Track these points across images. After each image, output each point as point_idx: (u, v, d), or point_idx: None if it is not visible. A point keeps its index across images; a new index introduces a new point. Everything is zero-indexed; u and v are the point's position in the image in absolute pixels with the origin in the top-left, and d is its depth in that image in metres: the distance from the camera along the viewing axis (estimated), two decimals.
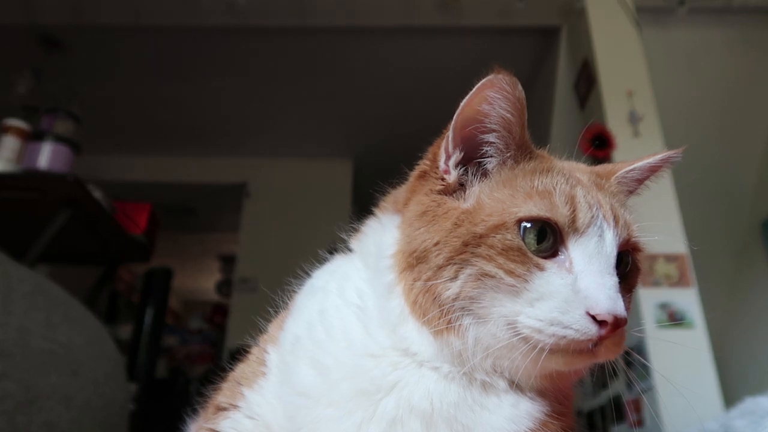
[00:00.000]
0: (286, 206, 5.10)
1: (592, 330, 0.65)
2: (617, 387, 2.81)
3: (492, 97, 0.71)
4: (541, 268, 0.67)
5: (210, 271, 7.32)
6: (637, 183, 0.85)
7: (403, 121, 4.33)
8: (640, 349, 2.61)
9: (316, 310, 0.80)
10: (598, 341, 0.65)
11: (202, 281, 7.80)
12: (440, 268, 0.69)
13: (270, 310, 0.86)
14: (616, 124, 3.10)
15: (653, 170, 0.85)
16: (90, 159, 3.40)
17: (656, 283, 2.71)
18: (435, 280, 0.69)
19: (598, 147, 3.04)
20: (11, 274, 1.09)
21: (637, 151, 3.04)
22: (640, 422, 2.55)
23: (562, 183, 0.72)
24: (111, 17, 3.86)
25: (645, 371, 2.56)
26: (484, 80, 0.70)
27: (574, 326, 0.65)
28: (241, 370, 0.85)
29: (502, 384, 0.71)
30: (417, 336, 0.72)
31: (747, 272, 3.97)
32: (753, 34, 3.75)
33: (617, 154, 3.03)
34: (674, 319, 2.64)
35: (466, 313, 0.69)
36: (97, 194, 2.81)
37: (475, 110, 0.73)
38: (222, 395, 0.83)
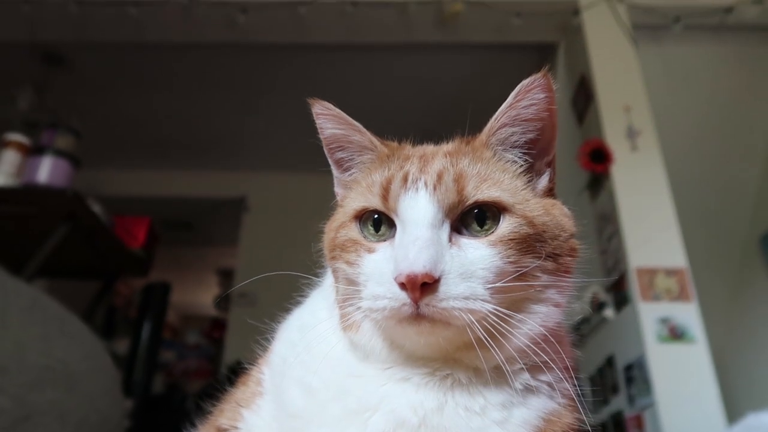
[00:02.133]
0: (285, 220, 5.10)
1: (400, 295, 0.66)
2: (618, 403, 2.80)
3: (320, 122, 0.83)
4: (372, 251, 0.73)
5: (208, 285, 7.31)
6: (522, 124, 0.79)
7: (402, 135, 4.33)
8: (641, 364, 2.60)
9: (296, 327, 0.84)
10: (417, 304, 0.65)
11: (201, 296, 7.78)
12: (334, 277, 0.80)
13: (270, 325, 0.87)
14: (614, 139, 3.12)
15: (514, 106, 0.78)
16: (90, 173, 3.41)
17: (656, 298, 2.70)
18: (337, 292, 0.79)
19: (596, 161, 3.06)
20: (8, 288, 1.09)
21: (635, 165, 3.06)
22: None
23: (390, 170, 0.77)
24: (112, 33, 3.89)
25: (646, 387, 2.54)
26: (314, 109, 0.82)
27: (387, 295, 0.67)
28: (241, 392, 0.86)
29: (474, 379, 0.70)
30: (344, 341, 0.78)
31: (747, 286, 3.97)
32: (748, 51, 3.79)
33: (615, 168, 3.04)
34: (675, 334, 2.63)
35: (355, 309, 0.73)
36: (96, 208, 2.82)
37: (324, 137, 0.84)
38: (223, 416, 0.84)
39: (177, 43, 4.06)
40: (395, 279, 0.66)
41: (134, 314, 4.65)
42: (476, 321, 0.66)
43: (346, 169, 0.86)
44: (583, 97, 3.45)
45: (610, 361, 2.89)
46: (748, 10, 3.42)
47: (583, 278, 0.78)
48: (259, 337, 0.86)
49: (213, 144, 5.31)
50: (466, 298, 0.66)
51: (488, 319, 0.67)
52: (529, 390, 0.72)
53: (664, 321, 2.64)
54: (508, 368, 0.70)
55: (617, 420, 2.80)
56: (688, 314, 2.68)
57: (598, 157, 3.06)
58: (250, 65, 4.33)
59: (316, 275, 0.88)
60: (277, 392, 0.78)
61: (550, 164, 0.81)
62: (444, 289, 0.66)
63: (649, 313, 2.68)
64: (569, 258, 0.76)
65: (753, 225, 3.96)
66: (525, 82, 0.77)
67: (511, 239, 0.70)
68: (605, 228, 3.04)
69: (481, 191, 0.72)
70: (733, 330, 3.91)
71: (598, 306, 2.90)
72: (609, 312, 2.89)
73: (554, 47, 3.86)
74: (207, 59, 4.28)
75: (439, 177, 0.73)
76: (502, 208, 0.72)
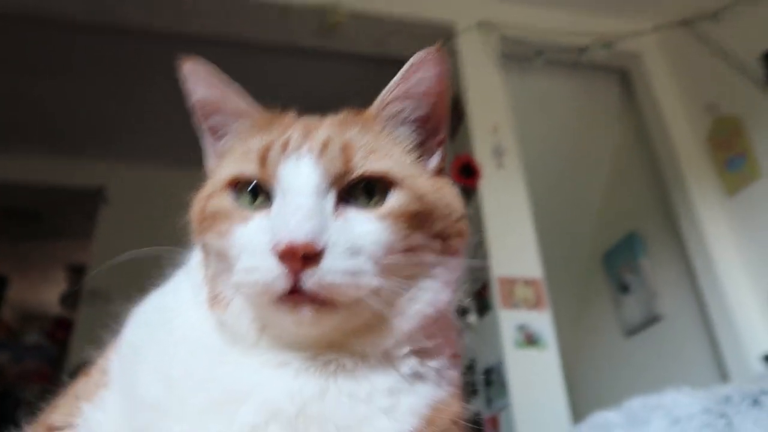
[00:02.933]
0: (147, 215, 4.75)
1: (276, 267, 0.60)
2: (476, 405, 2.93)
3: (192, 83, 0.78)
4: (246, 221, 0.67)
5: (54, 281, 6.60)
6: (413, 99, 0.76)
7: None
8: (499, 368, 2.76)
9: (153, 308, 0.75)
10: (295, 276, 0.60)
11: (45, 292, 7.01)
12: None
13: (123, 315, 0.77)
14: (482, 156, 3.28)
15: (406, 79, 0.75)
16: None
17: (515, 306, 2.87)
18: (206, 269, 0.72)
19: (465, 176, 3.20)
20: None
21: (501, 181, 3.25)
22: None
23: (270, 136, 0.72)
24: None
25: (503, 390, 2.69)
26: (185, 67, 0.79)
27: (261, 268, 0.62)
28: (82, 383, 0.75)
29: (361, 364, 0.66)
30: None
31: (592, 298, 4.37)
32: (595, 87, 4.19)
33: (483, 183, 3.20)
34: (530, 340, 2.81)
35: (225, 285, 0.68)
36: None
37: (197, 99, 0.78)
38: (57, 413, 0.72)
39: (34, 18, 3.63)
40: (272, 249, 0.60)
41: None
42: (364, 300, 0.62)
43: (220, 137, 0.79)
44: (455, 116, 3.61)
45: (471, 365, 3.03)
46: (598, 53, 3.78)
47: (470, 261, 0.77)
48: (111, 323, 0.76)
49: (70, 129, 4.81)
50: (353, 273, 0.61)
51: (378, 295, 0.63)
52: (417, 376, 0.69)
53: (521, 328, 2.82)
54: (397, 352, 0.68)
55: (475, 421, 2.93)
56: (542, 322, 2.87)
57: (468, 172, 3.21)
58: (119, 49, 3.99)
59: (180, 257, 0.80)
60: (128, 382, 0.69)
61: (441, 144, 0.79)
62: (329, 262, 0.60)
63: (509, 320, 2.83)
64: (458, 239, 0.74)
65: (597, 243, 4.37)
66: (417, 55, 0.74)
67: (400, 214, 0.67)
68: (472, 238, 3.19)
69: (370, 162, 0.68)
70: (578, 337, 4.29)
71: (461, 312, 3.03)
72: (472, 318, 3.03)
73: None
74: (70, 37, 3.88)
75: (325, 145, 0.68)
76: (391, 181, 0.68)
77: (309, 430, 0.62)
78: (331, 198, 0.66)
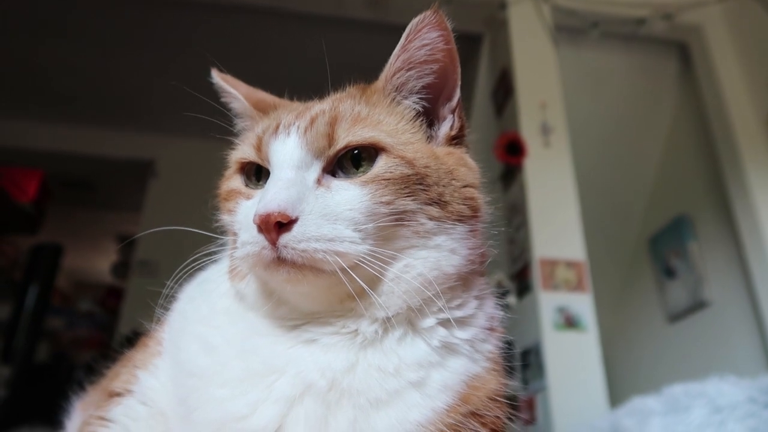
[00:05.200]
0: (194, 189, 4.85)
1: (259, 238, 0.64)
2: (513, 386, 2.92)
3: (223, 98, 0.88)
4: (249, 197, 0.73)
5: (106, 251, 6.89)
6: (417, 67, 0.76)
7: None
8: (537, 350, 2.74)
9: (198, 282, 0.80)
10: (275, 246, 0.63)
11: (97, 262, 7.32)
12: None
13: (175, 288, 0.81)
14: (528, 134, 3.21)
15: (406, 48, 0.75)
16: None
17: (555, 287, 2.84)
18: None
19: (511, 154, 3.15)
20: None
21: (547, 160, 3.18)
22: (532, 420, 2.66)
23: (268, 121, 0.77)
24: None
25: (540, 372, 2.68)
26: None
27: (250, 240, 0.65)
28: (140, 353, 0.80)
29: (383, 334, 0.67)
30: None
31: (634, 282, 4.27)
32: (652, 62, 4.03)
33: (528, 162, 3.15)
34: (570, 322, 2.78)
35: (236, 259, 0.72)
36: None
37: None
38: (118, 380, 0.78)
39: None
40: (252, 221, 0.63)
41: (19, 277, 4.29)
42: (349, 266, 0.63)
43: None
44: (503, 90, 3.53)
45: (510, 343, 3.01)
46: (657, 24, 3.63)
47: (486, 227, 0.76)
48: (161, 294, 0.81)
49: (122, 102, 4.95)
50: (331, 239, 0.63)
51: (365, 262, 0.64)
52: (447, 348, 0.69)
53: (561, 310, 2.79)
54: (421, 323, 0.68)
55: (509, 400, 2.94)
56: (583, 304, 2.83)
57: (514, 150, 3.15)
58: (167, 22, 4.06)
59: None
60: (176, 351, 0.73)
61: (454, 111, 0.78)
62: (300, 229, 0.62)
63: (548, 302, 2.80)
64: (463, 206, 0.72)
65: (644, 226, 4.25)
66: (414, 20, 0.73)
67: (385, 179, 0.67)
68: (514, 218, 3.15)
69: (352, 133, 0.69)
70: (619, 321, 4.22)
71: (501, 293, 3.01)
72: (511, 299, 3.01)
73: (479, 38, 3.92)
74: (120, 11, 3.97)
75: (312, 121, 0.70)
76: (379, 148, 0.69)
77: (341, 403, 0.64)
78: (315, 169, 0.68)
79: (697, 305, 3.60)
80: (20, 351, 3.54)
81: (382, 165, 0.68)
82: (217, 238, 0.81)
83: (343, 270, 0.63)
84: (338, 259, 0.62)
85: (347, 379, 0.65)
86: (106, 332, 5.54)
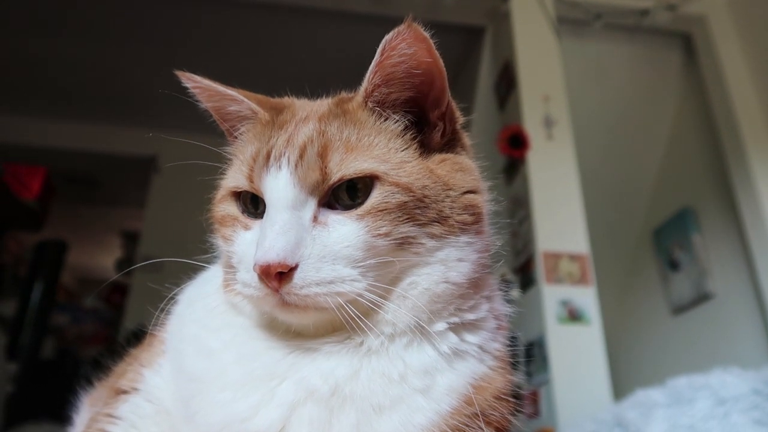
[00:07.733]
0: (197, 185, 4.86)
1: (261, 286, 0.63)
2: (516, 379, 2.92)
3: (196, 96, 0.83)
4: (247, 229, 0.71)
5: (110, 247, 6.90)
6: (396, 84, 0.72)
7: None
8: (541, 343, 2.74)
9: (197, 284, 0.81)
10: (277, 293, 0.63)
11: (101, 258, 7.34)
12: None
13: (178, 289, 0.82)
14: (531, 127, 3.20)
15: (382, 65, 0.71)
16: None
17: (559, 281, 2.84)
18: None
19: (514, 147, 3.14)
20: None
21: (550, 152, 3.17)
22: (536, 413, 2.67)
23: (260, 143, 0.73)
24: None
25: (544, 365, 2.68)
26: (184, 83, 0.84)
27: (252, 284, 0.65)
28: (145, 352, 0.81)
29: (388, 344, 0.67)
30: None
31: (638, 275, 4.27)
32: (656, 53, 4.01)
33: (531, 155, 3.14)
34: (573, 315, 2.78)
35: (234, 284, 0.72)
36: None
37: (205, 109, 0.84)
38: (124, 378, 0.78)
39: None
40: (253, 269, 0.62)
41: (24, 273, 4.31)
42: (348, 302, 0.63)
43: (236, 138, 0.82)
44: (505, 83, 3.52)
45: (514, 337, 3.02)
46: (661, 15, 3.61)
47: (495, 229, 0.76)
48: (169, 301, 0.81)
49: (124, 98, 4.95)
50: (331, 282, 0.62)
51: (365, 297, 0.64)
52: (456, 354, 0.69)
53: (565, 303, 2.79)
54: (431, 329, 0.67)
55: (516, 393, 2.94)
56: (587, 298, 2.83)
57: (516, 143, 3.15)
58: (169, 17, 4.05)
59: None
60: (176, 354, 0.74)
61: (443, 116, 0.75)
62: (301, 275, 0.62)
63: (552, 295, 2.80)
64: (465, 215, 0.71)
65: (648, 219, 4.24)
66: (387, 38, 0.69)
67: (382, 210, 0.65)
68: (517, 212, 3.14)
69: (345, 166, 0.66)
70: (623, 314, 4.21)
71: (506, 287, 3.01)
72: (515, 292, 3.01)
73: (482, 31, 3.91)
74: (122, 7, 3.97)
75: (302, 152, 0.67)
76: (373, 177, 0.67)
77: (344, 409, 0.64)
78: (310, 206, 0.66)
79: (701, 297, 3.59)
80: (26, 347, 3.57)
81: (377, 196, 0.66)
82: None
83: (341, 308, 0.63)
84: (338, 299, 0.62)
85: (350, 385, 0.65)
86: (111, 328, 5.57)
